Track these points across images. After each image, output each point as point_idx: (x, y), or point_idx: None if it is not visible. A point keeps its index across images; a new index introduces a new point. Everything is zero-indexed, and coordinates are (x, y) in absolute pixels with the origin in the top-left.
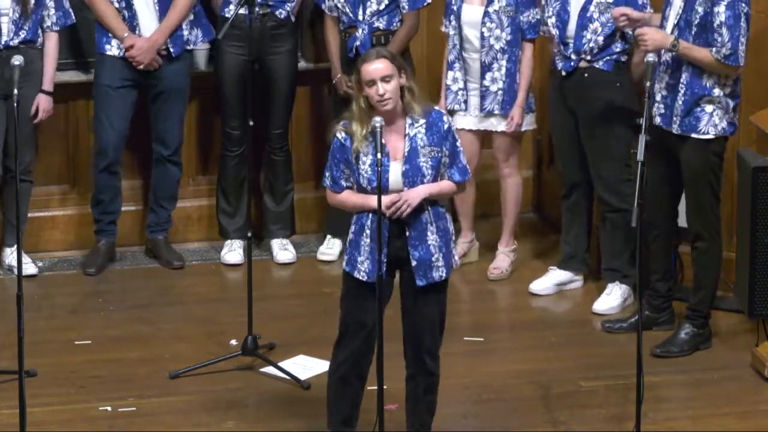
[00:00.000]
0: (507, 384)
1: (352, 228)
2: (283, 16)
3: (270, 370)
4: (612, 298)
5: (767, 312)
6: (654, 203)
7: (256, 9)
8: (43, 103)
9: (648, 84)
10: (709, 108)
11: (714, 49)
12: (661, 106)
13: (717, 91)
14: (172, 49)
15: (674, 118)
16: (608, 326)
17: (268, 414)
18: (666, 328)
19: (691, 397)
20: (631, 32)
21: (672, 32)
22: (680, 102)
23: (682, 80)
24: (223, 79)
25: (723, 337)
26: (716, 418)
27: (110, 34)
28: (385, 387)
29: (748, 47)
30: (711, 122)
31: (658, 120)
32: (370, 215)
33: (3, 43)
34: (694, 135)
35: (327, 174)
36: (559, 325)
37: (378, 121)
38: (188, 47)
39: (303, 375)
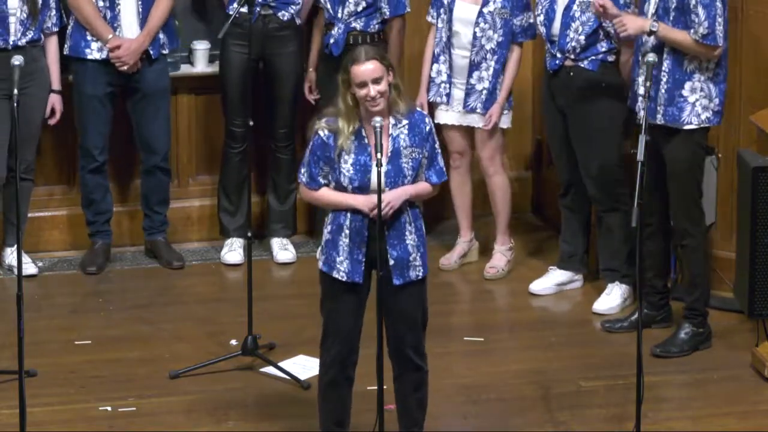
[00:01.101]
0: (507, 384)
1: (328, 227)
2: (286, 18)
3: (270, 370)
4: (612, 298)
5: (767, 312)
6: (647, 199)
7: (257, 9)
8: (57, 104)
9: (648, 84)
10: (691, 98)
11: (692, 30)
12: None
13: (698, 76)
14: (151, 51)
15: (658, 108)
16: (608, 326)
17: (268, 414)
18: (664, 326)
19: (691, 397)
20: (609, 22)
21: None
22: (663, 90)
23: (663, 68)
24: (227, 77)
25: (723, 337)
26: (716, 418)
27: (90, 37)
28: (385, 387)
29: (748, 47)
30: (693, 112)
31: (642, 114)
32: (349, 214)
33: (11, 42)
34: (676, 126)
35: (303, 170)
36: (559, 325)
37: (378, 121)
38: (163, 51)
39: (303, 375)
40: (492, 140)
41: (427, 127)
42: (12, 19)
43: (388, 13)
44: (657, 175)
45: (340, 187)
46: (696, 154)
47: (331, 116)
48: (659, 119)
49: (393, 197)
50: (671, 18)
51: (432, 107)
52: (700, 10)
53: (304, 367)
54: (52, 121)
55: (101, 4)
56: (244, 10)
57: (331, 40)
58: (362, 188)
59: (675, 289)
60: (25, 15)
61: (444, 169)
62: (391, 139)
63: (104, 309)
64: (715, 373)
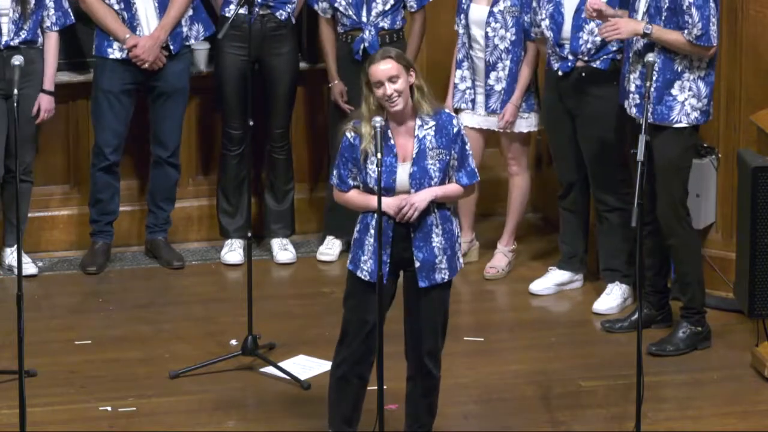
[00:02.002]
0: (507, 384)
1: (357, 227)
2: (283, 18)
3: (270, 370)
4: (612, 298)
5: (767, 312)
6: (647, 198)
7: (256, 9)
8: (44, 103)
9: (648, 84)
10: (681, 96)
11: (686, 31)
12: (636, 96)
13: (687, 75)
14: (171, 46)
15: (647, 106)
16: (608, 326)
17: (268, 414)
18: (664, 326)
19: (691, 397)
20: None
21: (642, 20)
22: (652, 89)
23: (654, 66)
24: (223, 79)
25: (723, 337)
26: (716, 418)
27: (111, 37)
28: (385, 387)
29: (748, 47)
30: (683, 111)
31: (634, 111)
32: (375, 215)
33: (3, 43)
34: (666, 124)
35: (335, 172)
36: (558, 325)
37: (378, 121)
38: (187, 43)
39: (303, 375)
40: (518, 141)
41: (455, 129)
42: (4, 20)
43: (415, 6)
44: (652, 173)
45: (367, 189)
46: (685, 151)
47: (358, 119)
48: (649, 117)
49: (418, 199)
50: (663, 18)
51: (456, 112)
52: (694, 11)
53: (304, 367)
54: (36, 121)
55: (116, 7)
56: (243, 11)
57: (366, 44)
58: (388, 189)
59: (674, 289)
60: (17, 15)
61: (476, 170)
62: (417, 140)
63: (104, 309)
64: (715, 373)
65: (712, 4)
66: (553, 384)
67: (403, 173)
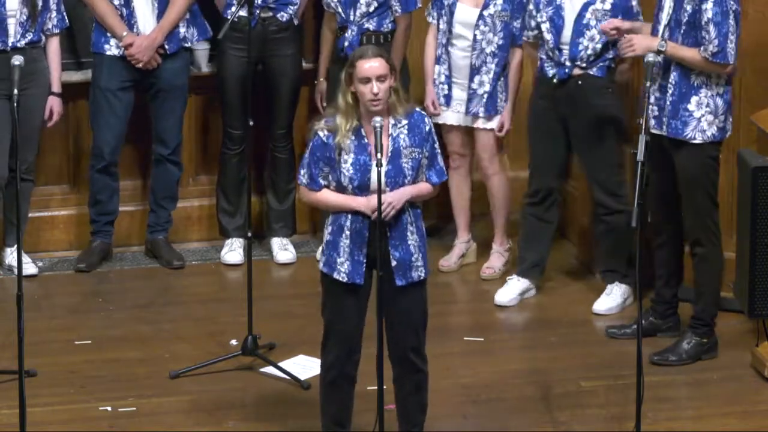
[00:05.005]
0: (507, 384)
1: (329, 228)
2: (285, 20)
3: (270, 370)
4: (612, 298)
5: (767, 312)
6: (660, 208)
7: (257, 11)
8: (56, 106)
9: (648, 84)
10: (697, 113)
11: (702, 48)
12: (655, 108)
13: (704, 91)
14: (167, 47)
15: (663, 119)
16: (612, 332)
17: (268, 414)
18: (671, 335)
19: (692, 397)
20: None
21: (663, 32)
22: (668, 102)
23: (670, 80)
24: (225, 81)
25: (723, 337)
26: (716, 418)
27: (108, 33)
28: (384, 387)
29: (748, 47)
30: (698, 128)
31: (652, 123)
32: (350, 216)
33: (10, 44)
34: (681, 139)
35: (303, 171)
36: (558, 325)
37: (378, 121)
38: (185, 45)
39: (303, 375)
40: (491, 141)
41: (427, 127)
42: (11, 21)
43: (399, 10)
44: (669, 183)
45: (340, 187)
46: (706, 165)
47: (330, 116)
48: (664, 130)
49: (394, 198)
50: (682, 32)
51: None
52: (711, 28)
53: (304, 367)
54: (49, 124)
55: (116, 2)
56: (243, 14)
57: (346, 43)
58: (362, 188)
59: (680, 290)
60: (24, 17)
61: (444, 169)
62: (391, 139)
63: (104, 309)
64: (715, 373)
65: (731, 22)
66: (553, 384)
67: (377, 172)
